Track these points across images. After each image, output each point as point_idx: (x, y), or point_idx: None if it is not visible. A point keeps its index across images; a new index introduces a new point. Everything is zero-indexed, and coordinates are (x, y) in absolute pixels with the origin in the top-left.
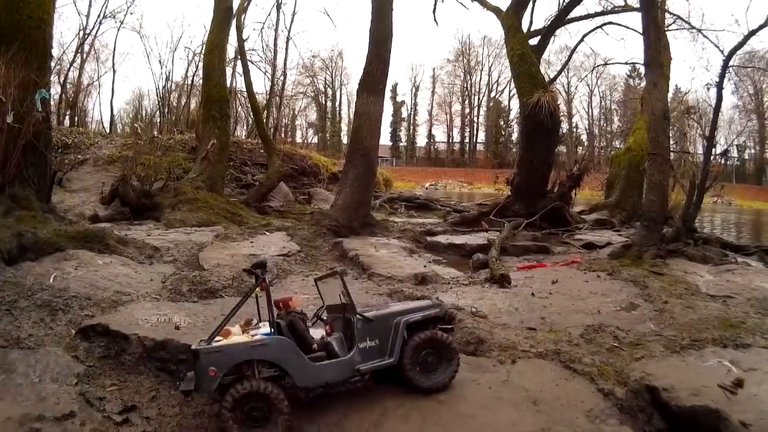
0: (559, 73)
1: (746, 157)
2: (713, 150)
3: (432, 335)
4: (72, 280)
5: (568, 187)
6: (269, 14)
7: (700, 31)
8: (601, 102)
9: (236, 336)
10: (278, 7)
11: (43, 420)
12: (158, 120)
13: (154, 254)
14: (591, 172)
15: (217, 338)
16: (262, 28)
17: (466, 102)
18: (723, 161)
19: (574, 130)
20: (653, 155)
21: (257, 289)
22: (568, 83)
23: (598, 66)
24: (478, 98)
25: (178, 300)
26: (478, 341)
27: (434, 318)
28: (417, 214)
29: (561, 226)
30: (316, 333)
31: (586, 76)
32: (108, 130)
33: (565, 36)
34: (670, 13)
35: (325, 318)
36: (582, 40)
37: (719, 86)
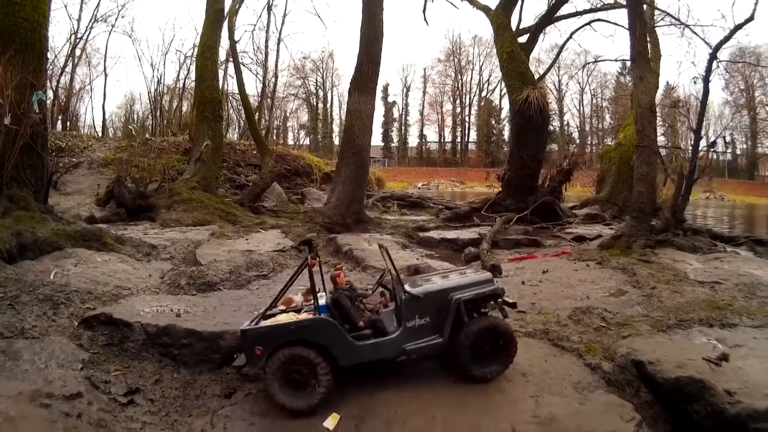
0: (548, 70)
1: (738, 152)
2: (701, 143)
3: (493, 324)
4: (72, 276)
5: (558, 182)
6: (260, 16)
7: (688, 26)
8: (592, 99)
9: (284, 316)
10: (269, 8)
11: (52, 397)
12: (151, 123)
13: (151, 252)
14: (582, 167)
15: (280, 306)
16: (253, 30)
17: (458, 101)
18: (710, 153)
19: (566, 127)
20: (641, 147)
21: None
22: (559, 81)
23: (588, 63)
24: (470, 97)
25: (177, 293)
26: None
27: (493, 294)
28: (409, 212)
29: (551, 220)
30: (372, 300)
31: (576, 73)
32: (100, 134)
33: (555, 34)
34: (659, 10)
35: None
36: (570, 37)
37: (706, 80)
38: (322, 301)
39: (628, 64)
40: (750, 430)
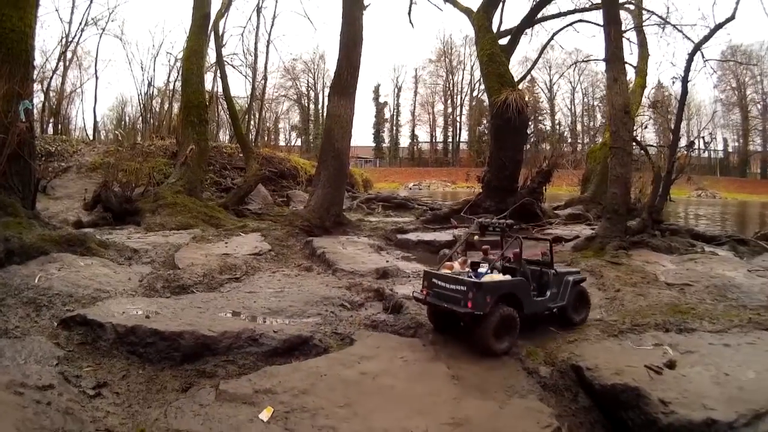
0: (529, 71)
1: (730, 149)
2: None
3: (581, 290)
4: (55, 280)
5: (538, 183)
6: (249, 18)
7: (675, 26)
8: (583, 98)
9: (455, 269)
10: (258, 11)
11: (26, 387)
12: (141, 126)
13: (132, 256)
14: (567, 167)
15: (443, 270)
16: (243, 32)
17: (449, 101)
18: (689, 153)
19: (558, 126)
20: (615, 149)
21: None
22: (551, 80)
23: (576, 63)
24: (461, 97)
25: (152, 296)
26: (418, 325)
27: (581, 279)
28: (394, 213)
29: (531, 221)
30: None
31: (563, 74)
32: (91, 137)
33: (543, 34)
34: (646, 10)
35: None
36: (552, 38)
37: (684, 80)
38: (481, 269)
39: None
40: None
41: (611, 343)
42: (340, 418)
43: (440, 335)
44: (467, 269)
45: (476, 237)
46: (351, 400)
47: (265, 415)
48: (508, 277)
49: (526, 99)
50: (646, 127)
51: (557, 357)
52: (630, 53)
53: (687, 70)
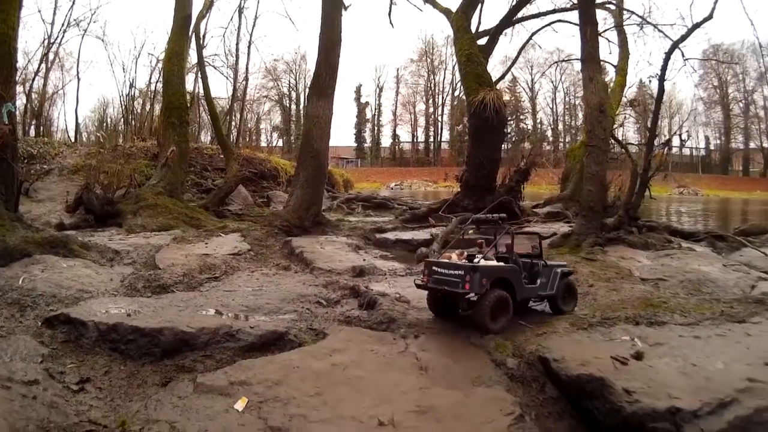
0: (507, 71)
1: (712, 147)
2: (656, 140)
3: (569, 282)
4: (39, 281)
5: (516, 182)
6: (231, 19)
7: (655, 26)
8: (565, 98)
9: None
10: (240, 11)
11: (12, 381)
12: (122, 127)
13: (114, 257)
14: (546, 166)
15: (441, 259)
16: (224, 33)
17: (430, 101)
18: (665, 151)
19: (539, 125)
20: (590, 147)
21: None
22: (532, 80)
23: (557, 63)
24: (442, 97)
25: (133, 295)
26: (390, 320)
27: (570, 272)
28: (374, 213)
29: (509, 219)
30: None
31: (544, 73)
32: (73, 139)
33: (524, 34)
34: (627, 10)
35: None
36: (530, 38)
37: (661, 79)
38: (476, 260)
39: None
40: (648, 429)
41: (580, 336)
42: (311, 406)
43: (413, 328)
44: (464, 260)
45: (471, 231)
46: (321, 390)
47: (240, 405)
48: (502, 264)
49: (504, 99)
50: (621, 125)
51: (525, 349)
52: (609, 52)
53: (664, 69)
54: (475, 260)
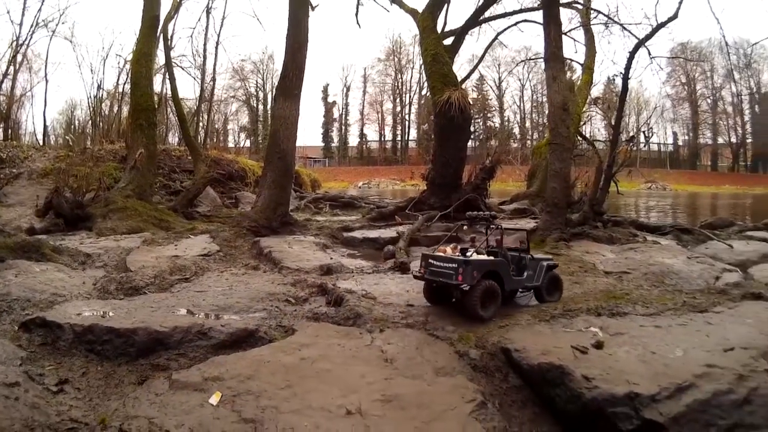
0: (473, 70)
1: (680, 143)
2: (620, 137)
3: (554, 275)
4: (13, 286)
5: (482, 179)
6: (199, 19)
7: (622, 25)
8: (532, 95)
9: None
10: (208, 12)
11: None
12: (90, 130)
13: (86, 260)
14: (512, 163)
15: (437, 253)
16: (192, 33)
17: (398, 100)
18: (629, 147)
19: (507, 123)
20: (554, 145)
21: None
22: (500, 78)
23: (523, 61)
24: (410, 96)
25: (106, 298)
26: (356, 316)
27: (554, 265)
28: (342, 212)
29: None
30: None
31: (511, 71)
32: (41, 142)
33: (492, 33)
34: (594, 10)
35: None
36: (496, 37)
37: (625, 77)
38: (468, 254)
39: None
40: (607, 414)
41: (542, 328)
42: (282, 398)
43: (378, 323)
44: (458, 254)
45: (465, 227)
46: (291, 382)
47: (214, 399)
48: (492, 258)
49: (469, 98)
50: (585, 123)
51: (488, 341)
52: (575, 51)
53: (627, 67)
54: (468, 254)
